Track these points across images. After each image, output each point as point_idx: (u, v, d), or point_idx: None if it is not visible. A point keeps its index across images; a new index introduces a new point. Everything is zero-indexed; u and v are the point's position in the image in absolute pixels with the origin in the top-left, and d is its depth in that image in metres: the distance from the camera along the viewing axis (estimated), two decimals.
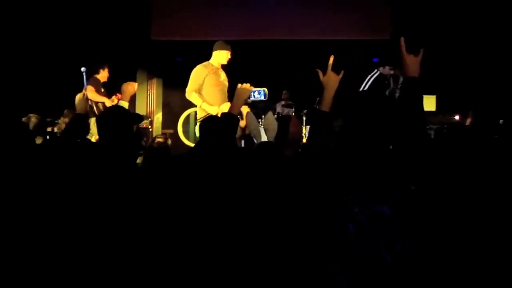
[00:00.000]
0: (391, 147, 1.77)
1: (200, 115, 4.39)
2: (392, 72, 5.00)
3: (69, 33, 6.51)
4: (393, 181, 1.52)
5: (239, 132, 3.25)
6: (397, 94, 4.99)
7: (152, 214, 1.63)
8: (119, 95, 5.00)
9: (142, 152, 3.46)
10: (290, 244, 1.49)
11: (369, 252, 1.36)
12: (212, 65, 4.45)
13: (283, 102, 7.51)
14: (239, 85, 2.28)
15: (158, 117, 8.08)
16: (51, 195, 1.70)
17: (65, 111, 4.37)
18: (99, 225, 1.60)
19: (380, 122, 1.80)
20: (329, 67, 1.98)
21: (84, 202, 1.65)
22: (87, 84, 4.88)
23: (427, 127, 4.66)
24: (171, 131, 7.28)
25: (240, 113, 3.01)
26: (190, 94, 4.35)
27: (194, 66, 4.44)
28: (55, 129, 4.78)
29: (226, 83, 4.53)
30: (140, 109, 7.64)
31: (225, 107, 4.05)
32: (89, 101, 4.82)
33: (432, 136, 4.69)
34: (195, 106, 4.45)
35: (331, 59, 1.98)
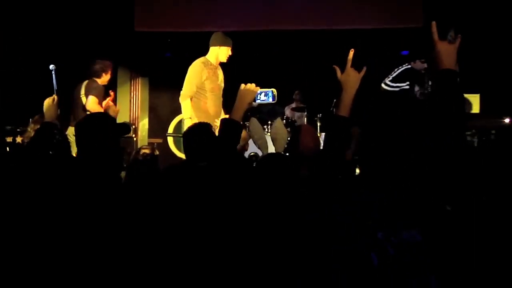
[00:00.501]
0: (421, 158, 1.74)
1: (189, 122, 4.39)
2: (425, 66, 4.99)
3: (32, 21, 6.47)
4: (423, 200, 1.50)
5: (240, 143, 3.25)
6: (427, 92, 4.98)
7: (135, 239, 1.70)
8: (111, 94, 5.09)
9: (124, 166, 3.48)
10: (290, 245, 1.55)
11: None
12: (210, 62, 4.45)
13: (293, 105, 7.49)
14: (243, 85, 2.27)
15: (143, 124, 8.10)
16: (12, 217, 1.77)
17: (36, 116, 4.39)
18: (71, 252, 1.67)
19: (408, 130, 1.78)
20: (348, 63, 1.97)
21: (53, 227, 1.71)
22: (90, 95, 4.85)
23: (468, 132, 4.63)
24: (159, 140, 7.31)
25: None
26: (184, 99, 4.35)
27: (186, 63, 4.45)
28: (19, 139, 4.80)
29: (222, 85, 4.54)
30: (122, 115, 7.64)
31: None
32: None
33: (475, 144, 4.65)
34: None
35: (351, 53, 1.97)
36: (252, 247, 1.59)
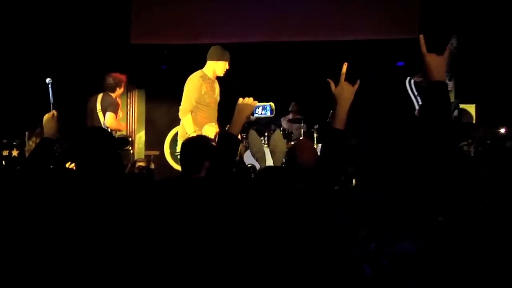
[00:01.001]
0: (413, 171, 1.75)
1: (184, 135, 4.40)
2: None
3: (28, 35, 6.49)
4: (416, 211, 1.51)
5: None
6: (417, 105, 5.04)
7: (132, 251, 1.71)
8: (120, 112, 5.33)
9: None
10: (288, 254, 1.56)
11: None
12: (207, 76, 4.46)
13: (290, 116, 7.51)
14: (241, 99, 2.28)
15: (140, 136, 8.10)
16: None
17: (37, 129, 4.39)
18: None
19: (408, 141, 1.79)
20: (342, 77, 1.99)
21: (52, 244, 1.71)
22: (108, 111, 5.04)
23: (465, 143, 4.65)
24: (156, 152, 7.30)
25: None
26: (185, 114, 4.35)
27: (183, 76, 4.45)
28: (15, 152, 4.79)
29: (218, 98, 4.56)
30: None
31: (209, 129, 4.08)
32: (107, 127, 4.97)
33: (472, 154, 4.67)
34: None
35: (344, 67, 1.99)
36: (249, 259, 1.59)
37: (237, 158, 2.60)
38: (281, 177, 1.83)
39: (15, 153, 4.92)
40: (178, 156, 6.09)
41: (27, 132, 4.94)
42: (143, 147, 8.02)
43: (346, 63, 2.02)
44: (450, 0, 6.43)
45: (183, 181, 2.38)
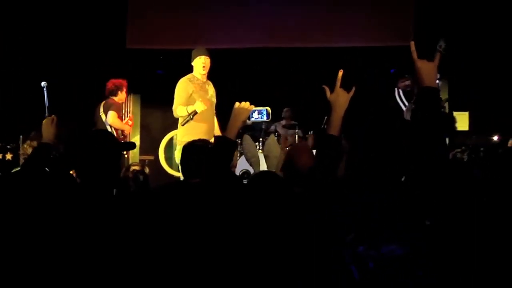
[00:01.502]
0: (404, 177, 1.76)
1: (182, 137, 4.41)
2: (406, 83, 5.13)
3: (24, 38, 6.49)
4: (403, 215, 1.52)
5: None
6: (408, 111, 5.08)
7: (128, 257, 1.70)
8: (131, 117, 5.70)
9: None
10: (285, 259, 1.56)
11: None
12: (196, 78, 4.51)
13: (283, 122, 7.52)
14: (237, 103, 2.29)
15: (135, 141, 8.08)
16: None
17: (33, 133, 4.37)
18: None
19: (407, 141, 1.79)
20: (337, 83, 2.00)
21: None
22: (110, 109, 5.26)
23: (458, 150, 4.67)
24: (151, 157, 7.28)
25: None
26: (176, 108, 4.39)
27: (178, 81, 4.47)
28: (9, 156, 4.77)
29: (214, 100, 4.59)
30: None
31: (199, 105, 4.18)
32: (110, 127, 5.25)
33: (465, 161, 4.69)
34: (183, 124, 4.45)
35: (340, 73, 2.00)
36: (248, 261, 1.59)
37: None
38: (275, 182, 1.84)
39: (9, 156, 4.90)
40: (173, 161, 6.11)
41: (21, 136, 4.92)
42: (138, 152, 7.99)
43: (341, 70, 2.03)
44: (443, 8, 6.46)
45: (179, 186, 2.38)
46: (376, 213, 1.54)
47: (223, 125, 3.34)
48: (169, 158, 6.86)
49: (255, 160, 2.18)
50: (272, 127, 7.31)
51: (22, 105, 5.83)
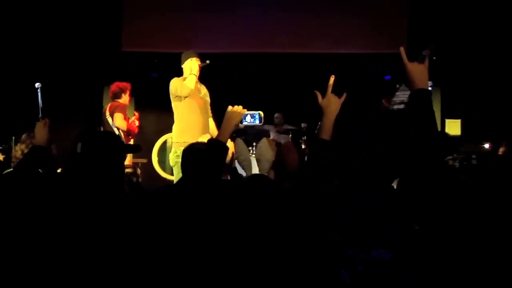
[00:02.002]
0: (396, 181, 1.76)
1: (176, 138, 4.40)
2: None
3: (19, 39, 6.47)
4: (392, 219, 1.52)
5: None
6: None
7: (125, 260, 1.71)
8: (136, 114, 5.74)
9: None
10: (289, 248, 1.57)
11: None
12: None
13: (275, 127, 7.55)
14: (230, 107, 2.31)
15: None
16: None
17: (23, 136, 4.35)
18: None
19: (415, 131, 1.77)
20: (329, 89, 2.02)
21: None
22: (115, 112, 5.38)
23: (450, 157, 4.69)
24: (144, 160, 7.26)
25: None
26: (180, 85, 4.36)
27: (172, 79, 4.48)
28: (1, 157, 4.75)
29: (208, 99, 4.59)
30: None
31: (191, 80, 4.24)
32: (117, 129, 5.41)
33: (456, 167, 4.71)
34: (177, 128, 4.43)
35: (332, 79, 2.02)
36: (245, 262, 1.59)
37: (232, 165, 2.63)
38: (267, 184, 1.84)
39: (0, 157, 4.88)
40: (167, 164, 6.10)
41: (13, 137, 4.90)
42: (131, 155, 7.96)
43: (333, 75, 2.05)
44: (436, 17, 6.52)
45: (171, 189, 2.39)
46: (366, 216, 1.54)
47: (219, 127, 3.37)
48: (162, 162, 6.86)
49: (247, 164, 2.19)
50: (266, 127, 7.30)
51: (16, 106, 5.80)
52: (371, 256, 1.38)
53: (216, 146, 2.13)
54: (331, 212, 1.62)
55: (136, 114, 5.86)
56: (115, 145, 2.11)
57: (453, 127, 6.16)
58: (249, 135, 6.80)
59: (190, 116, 4.38)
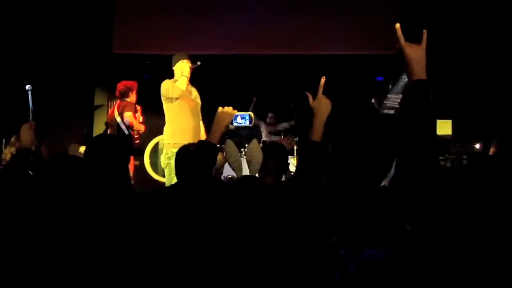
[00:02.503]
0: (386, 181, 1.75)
1: (168, 139, 4.39)
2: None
3: (9, 41, 6.44)
4: (384, 219, 1.51)
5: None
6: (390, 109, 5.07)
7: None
8: (139, 108, 5.77)
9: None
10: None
11: None
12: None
13: (268, 128, 7.54)
14: (220, 108, 2.31)
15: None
16: None
17: (12, 139, 4.33)
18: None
19: (378, 150, 1.77)
20: (320, 90, 2.02)
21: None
22: (125, 110, 5.46)
23: (441, 157, 4.70)
24: (136, 162, 7.23)
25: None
26: (171, 87, 4.36)
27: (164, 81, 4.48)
28: None
29: (199, 101, 4.60)
30: None
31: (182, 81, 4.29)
32: (127, 128, 5.51)
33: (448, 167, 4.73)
34: (171, 128, 4.43)
35: (322, 80, 2.02)
36: (225, 268, 1.59)
37: (217, 167, 2.62)
38: (257, 186, 1.84)
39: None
40: (159, 166, 6.08)
41: (4, 140, 4.87)
42: None
43: (324, 76, 2.05)
44: (427, 18, 6.55)
45: (162, 191, 2.39)
46: (358, 216, 1.53)
47: (208, 130, 3.38)
48: (154, 164, 6.83)
49: (237, 165, 2.18)
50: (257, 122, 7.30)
51: (6, 109, 5.76)
52: (363, 256, 1.38)
53: (206, 147, 2.13)
54: (323, 212, 1.62)
55: (139, 108, 5.88)
56: (121, 149, 2.11)
57: (444, 128, 6.16)
58: (241, 137, 6.80)
59: (181, 118, 4.39)
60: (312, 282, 1.48)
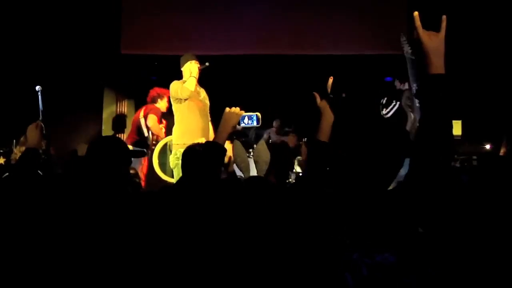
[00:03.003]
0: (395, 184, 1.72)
1: (177, 140, 4.41)
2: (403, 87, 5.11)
3: (19, 42, 6.49)
4: (397, 222, 1.49)
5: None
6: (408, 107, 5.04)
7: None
8: (164, 122, 5.94)
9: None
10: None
11: None
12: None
13: (274, 131, 7.57)
14: (227, 109, 2.30)
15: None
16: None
17: (22, 138, 4.36)
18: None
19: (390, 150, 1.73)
20: (328, 90, 2.00)
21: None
22: (150, 113, 5.70)
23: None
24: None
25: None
26: (181, 87, 4.38)
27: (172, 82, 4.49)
28: (2, 160, 4.75)
29: (207, 102, 4.61)
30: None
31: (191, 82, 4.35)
32: (148, 130, 5.75)
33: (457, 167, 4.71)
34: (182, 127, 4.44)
35: (330, 80, 2.01)
36: (232, 269, 1.59)
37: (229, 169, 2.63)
38: (265, 186, 1.84)
39: (1, 161, 4.89)
40: (167, 167, 6.11)
41: (14, 140, 4.91)
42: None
43: (331, 77, 2.04)
44: (436, 17, 6.50)
45: (169, 190, 2.39)
46: (370, 219, 1.52)
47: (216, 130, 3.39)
48: (163, 164, 6.84)
49: (245, 166, 2.18)
50: (265, 136, 7.33)
51: (16, 109, 5.81)
52: (376, 260, 1.36)
53: (213, 147, 2.13)
54: (333, 214, 1.61)
55: (164, 122, 6.06)
56: (120, 150, 2.13)
57: (454, 128, 6.13)
58: (249, 138, 6.81)
59: (190, 119, 4.40)
60: (323, 286, 1.47)
